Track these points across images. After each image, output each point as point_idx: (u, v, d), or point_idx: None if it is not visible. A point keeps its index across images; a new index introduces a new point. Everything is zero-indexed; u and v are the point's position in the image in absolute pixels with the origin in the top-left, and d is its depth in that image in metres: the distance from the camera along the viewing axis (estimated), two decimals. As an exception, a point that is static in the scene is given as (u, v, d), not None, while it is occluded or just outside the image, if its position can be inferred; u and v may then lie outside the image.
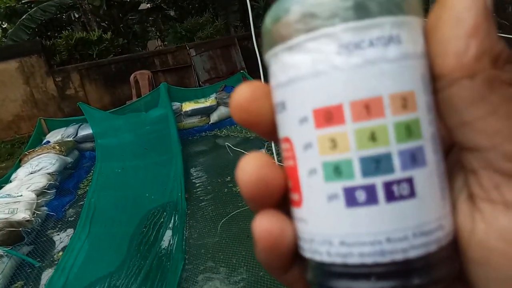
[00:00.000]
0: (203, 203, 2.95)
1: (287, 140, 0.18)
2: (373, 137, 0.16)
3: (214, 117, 4.91)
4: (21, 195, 2.96)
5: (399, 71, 0.16)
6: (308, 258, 0.18)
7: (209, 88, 5.36)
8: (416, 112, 0.16)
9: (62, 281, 2.13)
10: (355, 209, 0.16)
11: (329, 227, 0.17)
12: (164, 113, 4.61)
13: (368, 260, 0.16)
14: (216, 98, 4.96)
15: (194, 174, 3.63)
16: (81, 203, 3.22)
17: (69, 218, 3.09)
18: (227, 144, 3.99)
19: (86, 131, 4.60)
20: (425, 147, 0.16)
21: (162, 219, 2.72)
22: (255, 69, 1.75)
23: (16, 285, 2.27)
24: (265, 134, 0.20)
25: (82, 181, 3.84)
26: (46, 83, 5.94)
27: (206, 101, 4.94)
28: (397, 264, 0.16)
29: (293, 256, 0.19)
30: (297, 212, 0.18)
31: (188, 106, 4.88)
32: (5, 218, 2.60)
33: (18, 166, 3.88)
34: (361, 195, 0.16)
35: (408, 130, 0.16)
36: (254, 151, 0.19)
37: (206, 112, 4.91)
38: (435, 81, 0.17)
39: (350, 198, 0.16)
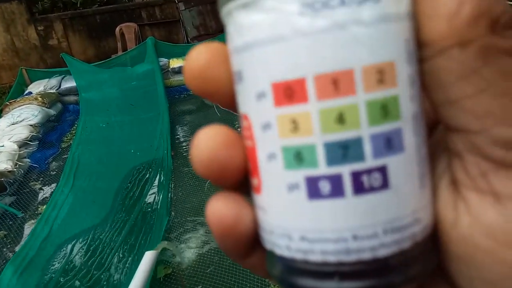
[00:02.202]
0: (189, 162, 2.95)
1: (245, 117, 0.16)
2: (340, 119, 0.13)
3: (202, 76, 4.83)
4: (3, 146, 2.91)
5: (376, 37, 0.13)
6: (268, 250, 0.16)
7: (198, 46, 5.23)
8: (395, 87, 0.13)
9: (45, 231, 2.14)
10: (318, 202, 0.14)
11: (289, 219, 0.15)
12: (151, 68, 4.50)
13: (331, 258, 0.14)
14: (205, 56, 4.85)
15: (181, 133, 3.60)
16: (65, 156, 3.19)
17: (51, 172, 3.06)
18: (215, 104, 3.94)
19: (69, 83, 4.48)
20: (403, 129, 0.14)
21: (147, 176, 2.72)
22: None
23: (-1, 234, 2.27)
24: (227, 106, 0.17)
25: (65, 135, 3.78)
26: (28, 32, 5.69)
27: (194, 59, 4.83)
28: (364, 264, 0.14)
29: (252, 243, 0.17)
30: (256, 198, 0.16)
31: (175, 63, 4.76)
32: (-14, 168, 2.56)
33: (-1, 116, 3.79)
34: (325, 186, 0.14)
35: (384, 110, 0.13)
36: (214, 124, 0.16)
37: (194, 70, 4.81)
38: (420, 48, 0.14)
39: (313, 189, 0.14)
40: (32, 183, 2.85)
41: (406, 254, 0.14)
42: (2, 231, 2.30)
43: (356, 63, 0.13)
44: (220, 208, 0.16)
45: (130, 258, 1.93)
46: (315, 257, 0.14)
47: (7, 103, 3.98)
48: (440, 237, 0.15)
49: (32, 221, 2.37)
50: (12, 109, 3.78)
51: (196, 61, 0.16)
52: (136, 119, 3.77)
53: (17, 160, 2.84)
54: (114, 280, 1.84)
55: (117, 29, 5.54)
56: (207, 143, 0.16)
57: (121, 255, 1.97)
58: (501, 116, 0.13)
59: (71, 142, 3.45)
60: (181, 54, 4.96)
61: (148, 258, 1.59)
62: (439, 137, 0.16)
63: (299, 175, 0.14)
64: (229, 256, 0.18)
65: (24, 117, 3.52)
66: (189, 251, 1.95)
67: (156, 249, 1.77)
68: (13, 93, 4.40)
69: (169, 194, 2.47)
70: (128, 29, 5.57)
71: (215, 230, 0.16)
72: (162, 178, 2.65)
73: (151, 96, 4.10)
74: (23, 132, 3.23)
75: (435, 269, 0.15)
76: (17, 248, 2.10)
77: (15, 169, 2.73)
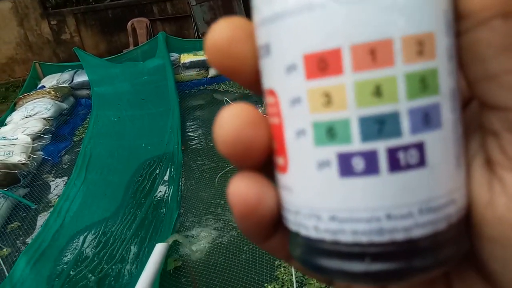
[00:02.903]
0: (199, 157, 2.97)
1: (272, 92, 0.15)
2: (378, 92, 0.13)
3: (212, 71, 4.82)
4: (17, 138, 2.95)
5: (416, 5, 0.12)
6: (292, 231, 0.15)
7: (209, 41, 5.23)
8: (434, 60, 0.13)
9: (58, 223, 2.17)
10: (351, 180, 0.13)
11: (318, 199, 0.14)
12: (162, 63, 4.52)
13: (363, 238, 0.13)
14: (215, 51, 4.85)
15: (191, 127, 3.61)
16: (77, 149, 3.23)
17: (64, 165, 3.10)
18: (225, 99, 3.95)
19: (82, 77, 4.52)
20: (441, 104, 0.13)
21: (158, 170, 2.74)
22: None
23: (13, 225, 2.31)
24: (248, 84, 0.16)
25: (78, 128, 3.82)
26: (41, 26, 5.76)
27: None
28: (397, 245, 0.13)
29: (274, 224, 0.16)
30: (281, 178, 0.16)
31: (186, 58, 4.77)
32: (1, 160, 2.61)
33: (13, 109, 3.84)
34: (358, 163, 0.13)
35: (423, 83, 0.13)
36: (236, 103, 0.16)
37: (205, 65, 4.81)
38: (458, 20, 0.13)
39: (345, 166, 0.13)
40: (45, 176, 2.89)
41: (441, 236, 0.14)
42: (15, 223, 2.34)
43: (395, 33, 0.12)
44: (242, 188, 0.15)
45: (140, 250, 1.95)
46: (346, 238, 0.14)
47: (20, 96, 4.03)
48: (473, 218, 0.14)
49: (45, 213, 2.40)
50: (26, 102, 3.83)
51: (219, 35, 0.15)
52: (147, 114, 3.80)
53: (30, 153, 2.88)
54: (124, 272, 1.86)
55: (129, 24, 5.57)
56: (231, 121, 0.15)
57: (131, 247, 1.99)
58: None
59: (83, 135, 3.49)
60: (192, 49, 4.97)
61: (158, 250, 1.60)
62: (472, 115, 0.15)
63: (331, 151, 0.13)
64: (249, 238, 0.17)
65: (37, 111, 3.56)
66: (199, 244, 1.96)
67: (167, 241, 1.78)
68: (27, 87, 4.46)
69: (179, 188, 2.48)
70: (139, 24, 5.59)
71: (236, 211, 0.16)
72: (172, 172, 2.66)
73: (162, 91, 4.12)
74: (36, 125, 3.28)
75: (466, 254, 0.15)
76: (30, 240, 2.13)
77: (28, 162, 2.77)
